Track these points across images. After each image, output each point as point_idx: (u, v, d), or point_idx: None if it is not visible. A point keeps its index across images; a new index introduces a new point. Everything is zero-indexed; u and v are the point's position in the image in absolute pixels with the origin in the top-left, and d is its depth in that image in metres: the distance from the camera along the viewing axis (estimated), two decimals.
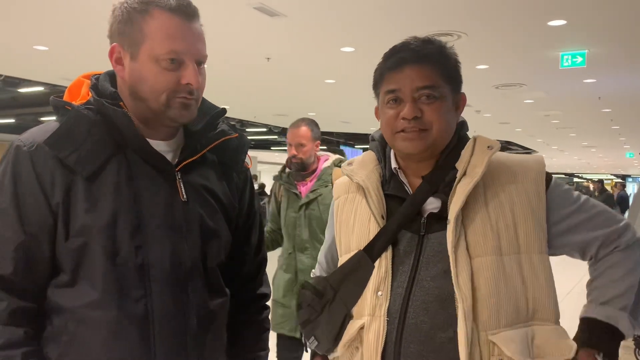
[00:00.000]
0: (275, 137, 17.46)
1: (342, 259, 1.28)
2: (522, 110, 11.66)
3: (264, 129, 16.16)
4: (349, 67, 7.60)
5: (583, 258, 1.25)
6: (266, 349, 1.41)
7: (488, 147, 1.19)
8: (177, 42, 1.11)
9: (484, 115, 12.39)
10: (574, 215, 1.21)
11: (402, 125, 1.18)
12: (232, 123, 1.36)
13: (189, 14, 1.14)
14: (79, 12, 5.65)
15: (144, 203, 1.13)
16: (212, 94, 1.41)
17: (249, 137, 1.37)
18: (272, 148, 22.92)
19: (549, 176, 1.21)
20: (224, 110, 1.28)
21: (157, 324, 1.12)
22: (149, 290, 1.12)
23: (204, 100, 1.27)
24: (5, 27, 6.43)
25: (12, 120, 15.01)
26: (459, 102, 1.25)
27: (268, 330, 1.42)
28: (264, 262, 1.43)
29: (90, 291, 1.10)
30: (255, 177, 16.65)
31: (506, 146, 20.51)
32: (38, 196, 1.09)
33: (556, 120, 13.34)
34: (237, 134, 1.31)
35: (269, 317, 1.45)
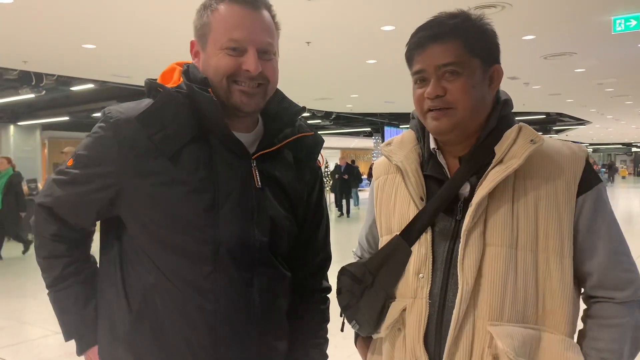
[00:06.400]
0: (319, 121, 17.48)
1: (383, 240, 1.28)
2: (574, 79, 11.20)
3: (308, 114, 16.20)
4: (390, 46, 7.47)
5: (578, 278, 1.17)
6: (326, 338, 1.44)
7: (531, 140, 1.13)
8: (238, 30, 1.18)
9: (533, 87, 11.98)
10: (594, 238, 1.13)
11: (428, 104, 1.17)
12: None
13: (252, 3, 1.21)
14: (120, 10, 5.79)
15: (220, 184, 1.19)
16: None
17: None
18: None
19: (588, 177, 1.14)
20: (303, 109, 1.34)
21: (222, 300, 1.18)
22: (217, 267, 1.18)
23: (285, 98, 1.34)
24: (55, 28, 6.67)
25: (66, 118, 15.61)
26: (493, 75, 1.18)
27: (328, 321, 1.45)
28: (328, 259, 1.46)
29: (166, 260, 1.18)
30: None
31: (557, 118, 19.81)
32: (115, 158, 1.18)
33: (610, 89, 12.76)
34: (312, 132, 1.37)
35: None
